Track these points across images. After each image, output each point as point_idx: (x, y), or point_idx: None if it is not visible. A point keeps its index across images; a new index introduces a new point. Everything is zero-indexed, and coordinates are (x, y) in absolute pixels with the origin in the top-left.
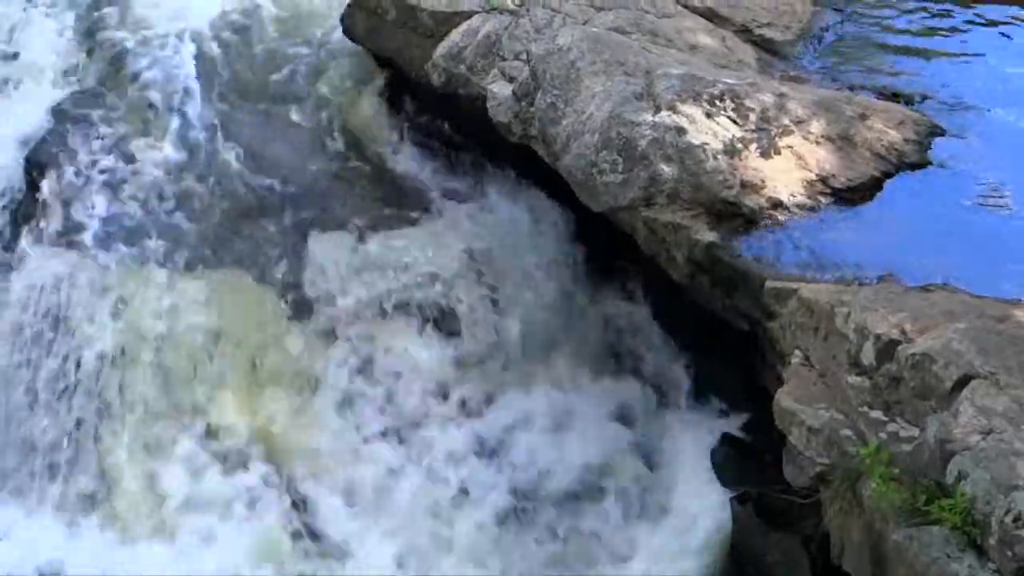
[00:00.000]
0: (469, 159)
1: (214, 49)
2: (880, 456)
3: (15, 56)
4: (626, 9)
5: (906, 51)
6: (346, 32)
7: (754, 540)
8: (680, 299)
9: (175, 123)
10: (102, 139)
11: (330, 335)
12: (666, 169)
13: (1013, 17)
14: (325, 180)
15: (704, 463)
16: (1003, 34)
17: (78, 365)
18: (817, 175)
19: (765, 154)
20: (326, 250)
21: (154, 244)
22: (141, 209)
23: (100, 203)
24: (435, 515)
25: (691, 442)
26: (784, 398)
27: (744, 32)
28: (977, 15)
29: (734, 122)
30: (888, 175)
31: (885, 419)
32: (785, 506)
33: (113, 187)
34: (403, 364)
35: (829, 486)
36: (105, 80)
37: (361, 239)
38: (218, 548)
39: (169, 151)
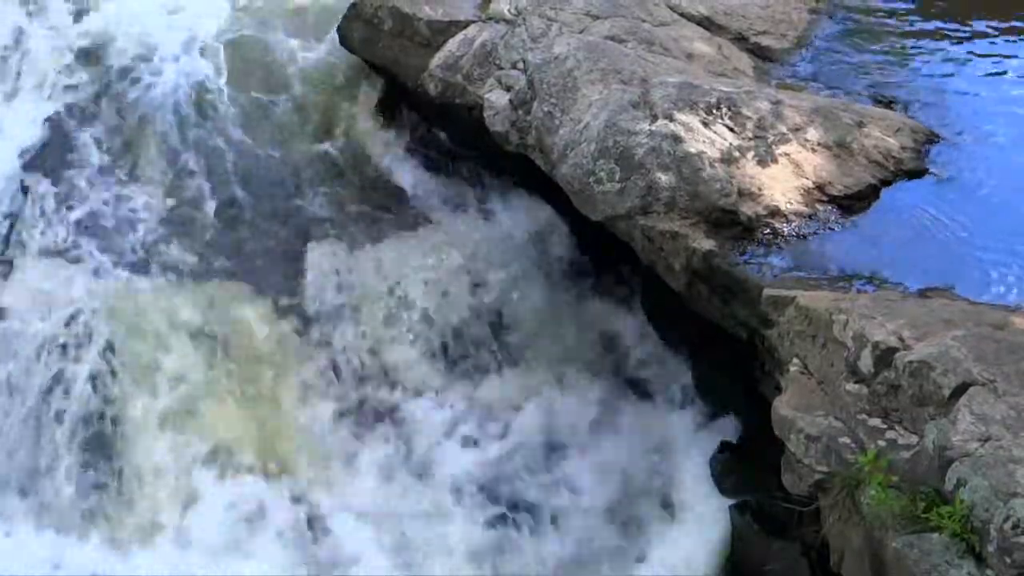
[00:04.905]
0: (466, 168)
1: (211, 60)
2: (879, 463)
3: (14, 66)
4: (622, 18)
5: (903, 58)
6: (343, 42)
7: (754, 549)
8: (679, 307)
9: (171, 134)
10: (99, 149)
11: (327, 344)
12: (663, 178)
13: (1012, 28)
14: (322, 190)
15: (703, 472)
16: (1000, 43)
17: (75, 374)
18: (814, 183)
19: (762, 162)
20: (323, 260)
21: (151, 255)
22: (137, 220)
23: (96, 214)
24: (434, 521)
25: (690, 450)
26: (782, 406)
27: (740, 40)
28: (974, 25)
29: (731, 130)
30: (886, 182)
31: (883, 426)
32: (785, 514)
33: (109, 198)
34: (402, 372)
35: (828, 494)
36: (101, 91)
37: (358, 249)
38: (219, 554)
39: (165, 161)
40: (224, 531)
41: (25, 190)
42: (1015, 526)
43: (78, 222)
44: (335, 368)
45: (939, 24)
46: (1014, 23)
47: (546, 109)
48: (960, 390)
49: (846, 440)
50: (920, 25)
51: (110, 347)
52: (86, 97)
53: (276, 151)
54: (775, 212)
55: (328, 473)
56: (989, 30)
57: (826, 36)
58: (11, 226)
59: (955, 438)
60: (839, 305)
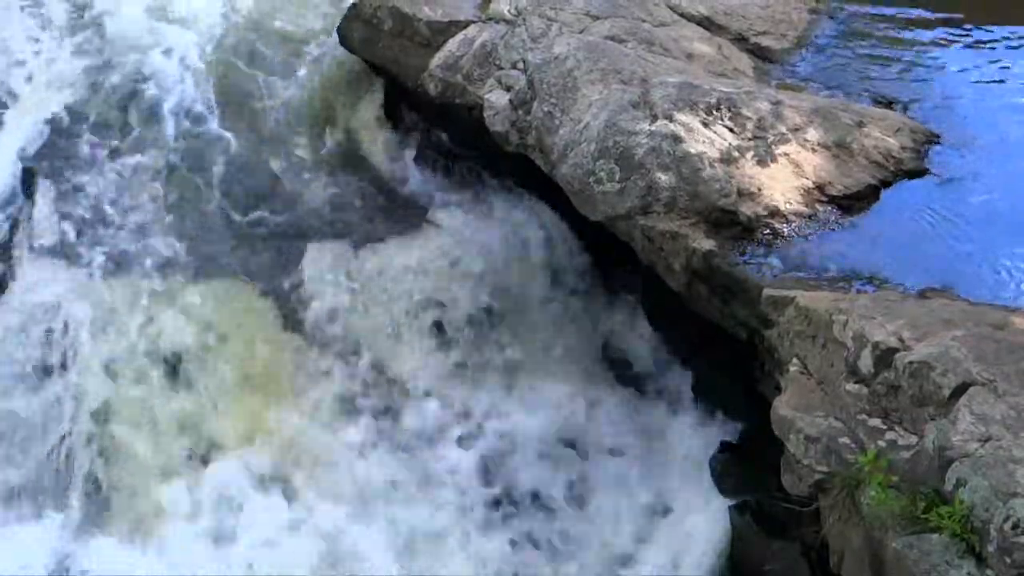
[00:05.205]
0: (466, 169)
1: (211, 61)
2: (879, 464)
3: (13, 70)
4: (622, 18)
5: (902, 59)
6: (343, 42)
7: (754, 549)
8: (679, 307)
9: (172, 135)
10: (99, 151)
11: (327, 344)
12: (663, 178)
13: (1013, 30)
14: (322, 191)
15: (703, 472)
16: (1001, 45)
17: (75, 376)
18: (814, 183)
19: (762, 162)
20: (324, 260)
21: (151, 256)
22: (138, 221)
23: (97, 215)
24: (434, 522)
25: (690, 451)
26: (782, 406)
27: (740, 40)
28: (975, 26)
29: (731, 130)
30: (885, 183)
31: (883, 427)
32: (785, 514)
33: (110, 199)
34: (402, 373)
35: (828, 494)
36: (102, 93)
37: (359, 249)
38: (217, 557)
39: (166, 163)
40: (221, 533)
41: (26, 190)
42: (1015, 526)
43: (78, 223)
44: (335, 367)
45: (939, 25)
46: (1015, 25)
47: (546, 109)
48: (960, 390)
49: (846, 440)
50: (920, 25)
51: (110, 348)
52: (87, 95)
53: (275, 153)
54: (775, 212)
55: (330, 478)
56: (990, 31)
57: (826, 36)
58: (12, 226)
59: (955, 438)
60: (839, 305)
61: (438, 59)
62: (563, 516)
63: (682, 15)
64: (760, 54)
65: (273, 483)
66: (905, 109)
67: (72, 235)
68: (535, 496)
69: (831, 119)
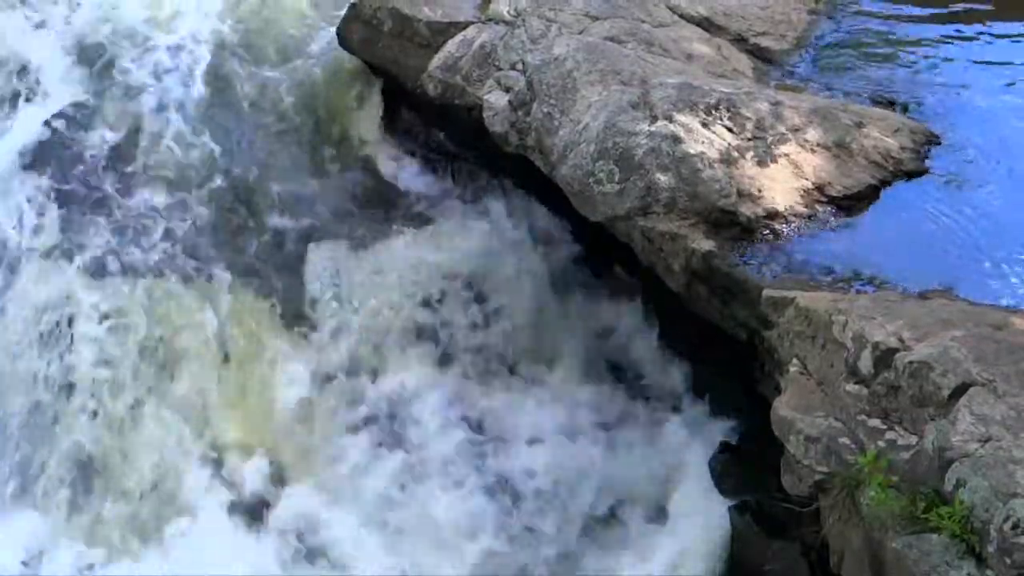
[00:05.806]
0: (466, 169)
1: (211, 62)
2: (878, 464)
3: (15, 69)
4: (622, 19)
5: (902, 60)
6: (342, 43)
7: (753, 549)
8: (678, 308)
9: (172, 136)
10: (99, 152)
11: (327, 345)
12: (662, 178)
13: (1012, 33)
14: (322, 191)
15: (703, 472)
16: (1001, 45)
17: (75, 375)
18: (814, 183)
19: (761, 163)
20: (323, 261)
21: (152, 257)
22: (138, 222)
23: (96, 216)
24: (435, 525)
25: (690, 451)
26: (782, 407)
27: (740, 41)
28: (975, 27)
29: (730, 131)
30: (885, 183)
31: (883, 427)
32: (785, 515)
33: (109, 200)
34: (400, 373)
35: (828, 494)
36: (102, 93)
37: (358, 249)
38: (215, 557)
39: (166, 163)
40: (219, 533)
41: (27, 189)
42: (1015, 526)
43: (78, 223)
44: (335, 368)
45: (939, 25)
46: (1015, 25)
47: (545, 110)
48: (960, 391)
49: (846, 441)
50: (920, 26)
51: (109, 349)
52: (88, 96)
53: (275, 155)
54: (774, 213)
55: (329, 475)
56: (989, 31)
57: (825, 37)
58: (12, 226)
59: (955, 439)
60: (838, 306)
61: (437, 60)
62: (562, 516)
63: (681, 16)
64: (759, 55)
65: (272, 481)
66: (905, 109)
67: (72, 235)
68: (534, 497)
69: (831, 119)
